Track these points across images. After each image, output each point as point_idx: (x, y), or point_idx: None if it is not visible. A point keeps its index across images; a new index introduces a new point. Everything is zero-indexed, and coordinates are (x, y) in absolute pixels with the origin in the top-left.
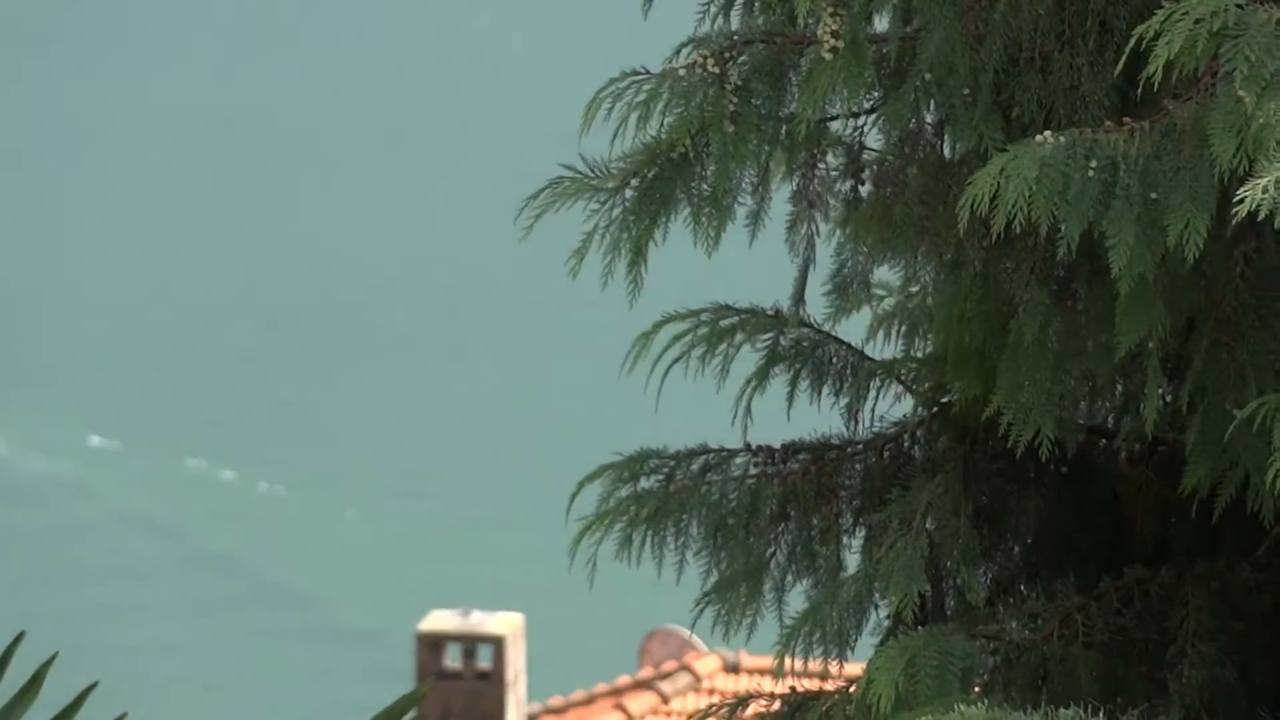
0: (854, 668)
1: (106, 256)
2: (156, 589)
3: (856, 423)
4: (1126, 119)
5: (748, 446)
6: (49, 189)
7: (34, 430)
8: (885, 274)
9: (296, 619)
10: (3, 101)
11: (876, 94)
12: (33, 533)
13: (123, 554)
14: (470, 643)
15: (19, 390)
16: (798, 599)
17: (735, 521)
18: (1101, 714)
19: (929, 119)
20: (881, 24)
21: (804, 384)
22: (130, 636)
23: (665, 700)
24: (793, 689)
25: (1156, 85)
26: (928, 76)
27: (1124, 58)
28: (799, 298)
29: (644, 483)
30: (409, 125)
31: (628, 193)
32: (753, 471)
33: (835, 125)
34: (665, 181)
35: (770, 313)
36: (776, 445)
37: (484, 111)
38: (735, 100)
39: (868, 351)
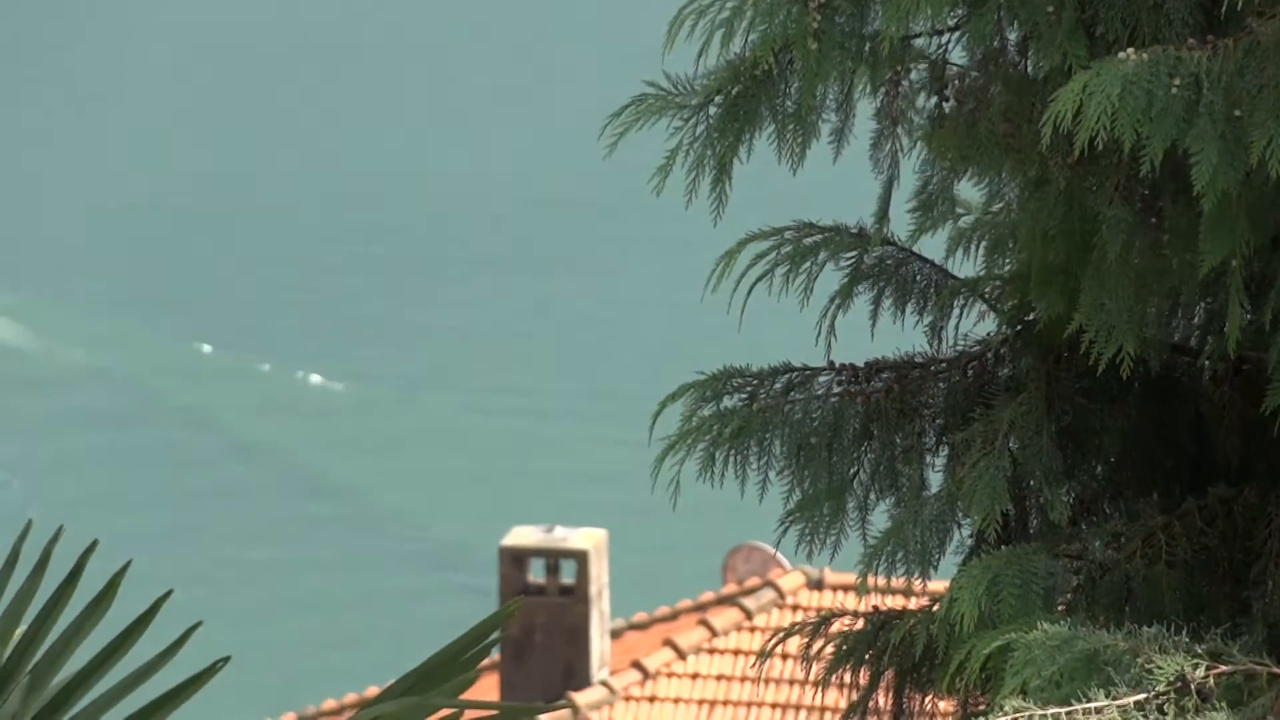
0: (937, 586)
1: (207, 165)
2: (249, 507)
3: (940, 341)
4: (1210, 36)
5: (831, 365)
6: (207, 101)
7: (146, 342)
8: (968, 190)
9: (384, 534)
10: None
11: (960, 11)
12: (132, 447)
13: (220, 472)
14: (553, 558)
15: (128, 303)
16: (881, 518)
17: (818, 440)
18: (1185, 633)
19: (1012, 36)
20: None
21: (887, 302)
22: (217, 554)
23: (749, 616)
24: (875, 608)
25: (1240, 3)
26: None
27: None
28: (883, 215)
29: (727, 402)
30: (497, 43)
31: (711, 110)
32: (836, 390)
33: (919, 42)
34: (749, 99)
35: (854, 230)
36: (859, 364)
37: (570, 29)
38: (819, 17)
39: (948, 268)
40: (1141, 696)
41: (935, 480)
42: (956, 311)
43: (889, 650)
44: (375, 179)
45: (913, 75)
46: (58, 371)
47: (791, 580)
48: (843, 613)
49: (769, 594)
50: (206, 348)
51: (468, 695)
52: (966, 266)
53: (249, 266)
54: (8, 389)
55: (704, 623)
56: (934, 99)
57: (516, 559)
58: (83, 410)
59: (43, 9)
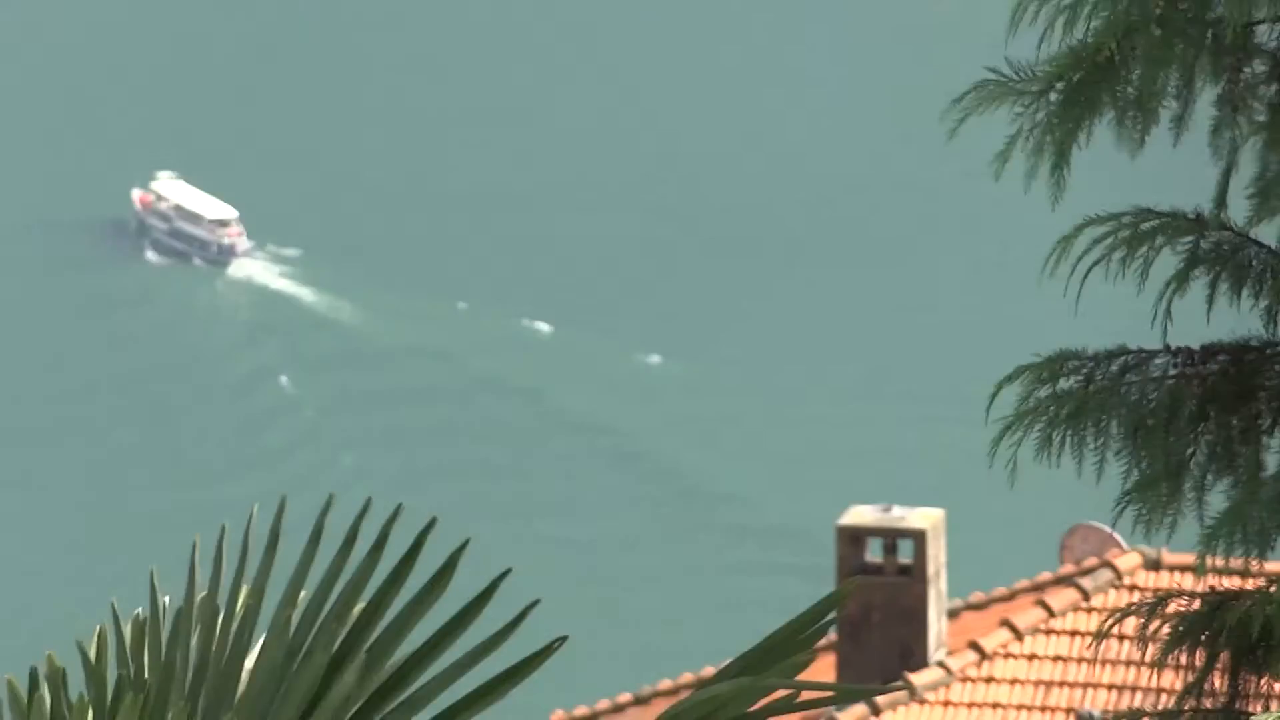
0: (1275, 566)
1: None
2: (582, 485)
3: (1276, 325)
4: None
5: (1167, 347)
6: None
7: (479, 321)
8: None
9: (716, 514)
10: None
11: None
12: (463, 424)
13: (552, 448)
14: (891, 537)
15: (462, 283)
16: (1218, 498)
17: (1155, 421)
18: None
19: None
20: None
21: (1224, 286)
22: (548, 531)
23: (1086, 596)
24: (1212, 588)
25: None
26: None
27: None
28: (1221, 201)
29: (1063, 383)
30: (828, 28)
31: (1052, 96)
32: (1172, 372)
33: (1260, 30)
34: (1090, 85)
35: (1191, 216)
36: (1195, 346)
37: (908, 9)
38: (1162, 4)
39: None
40: None
41: (1273, 461)
42: None
43: (1225, 631)
44: (717, 165)
45: (1255, 64)
46: (389, 349)
47: (1128, 560)
48: (1179, 593)
49: (1106, 574)
50: (544, 326)
51: (804, 676)
52: None
53: (588, 248)
54: (341, 366)
55: (1041, 603)
56: (1275, 86)
57: (854, 538)
58: (414, 387)
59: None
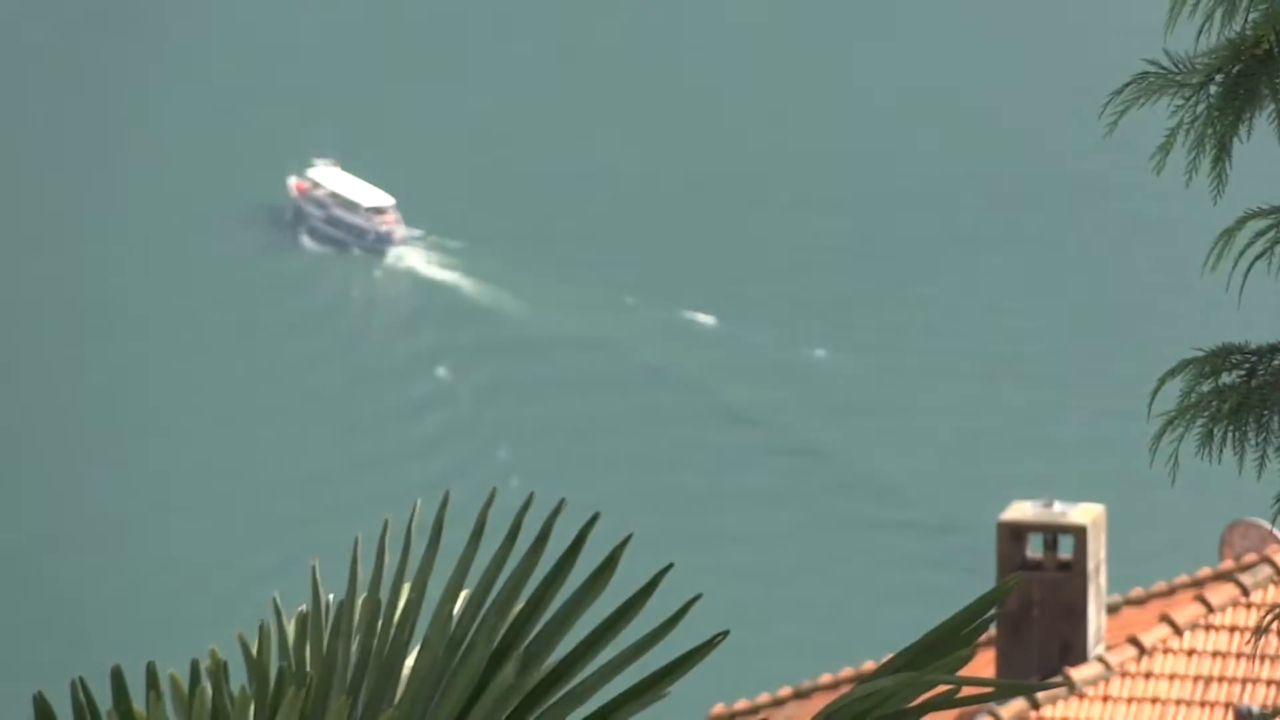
0: None
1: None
2: (740, 476)
3: None
4: None
5: None
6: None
7: (635, 308)
8: None
9: (877, 508)
10: None
11: None
12: (620, 415)
13: (713, 441)
14: (1052, 533)
15: (641, 271)
16: None
17: None
18: None
19: None
20: None
21: None
22: (708, 524)
23: (1245, 592)
24: None
25: None
26: None
27: None
28: None
29: (1225, 378)
30: (997, 26)
31: (1212, 89)
32: None
33: None
34: (1249, 78)
35: None
36: None
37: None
38: None
39: None
40: None
41: None
42: None
43: None
44: (877, 159)
45: None
46: (548, 339)
47: None
48: None
49: (1266, 570)
50: (707, 319)
51: (965, 671)
52: None
53: (754, 242)
54: (498, 356)
55: (1200, 599)
56: None
57: (1015, 534)
58: (573, 378)
59: None
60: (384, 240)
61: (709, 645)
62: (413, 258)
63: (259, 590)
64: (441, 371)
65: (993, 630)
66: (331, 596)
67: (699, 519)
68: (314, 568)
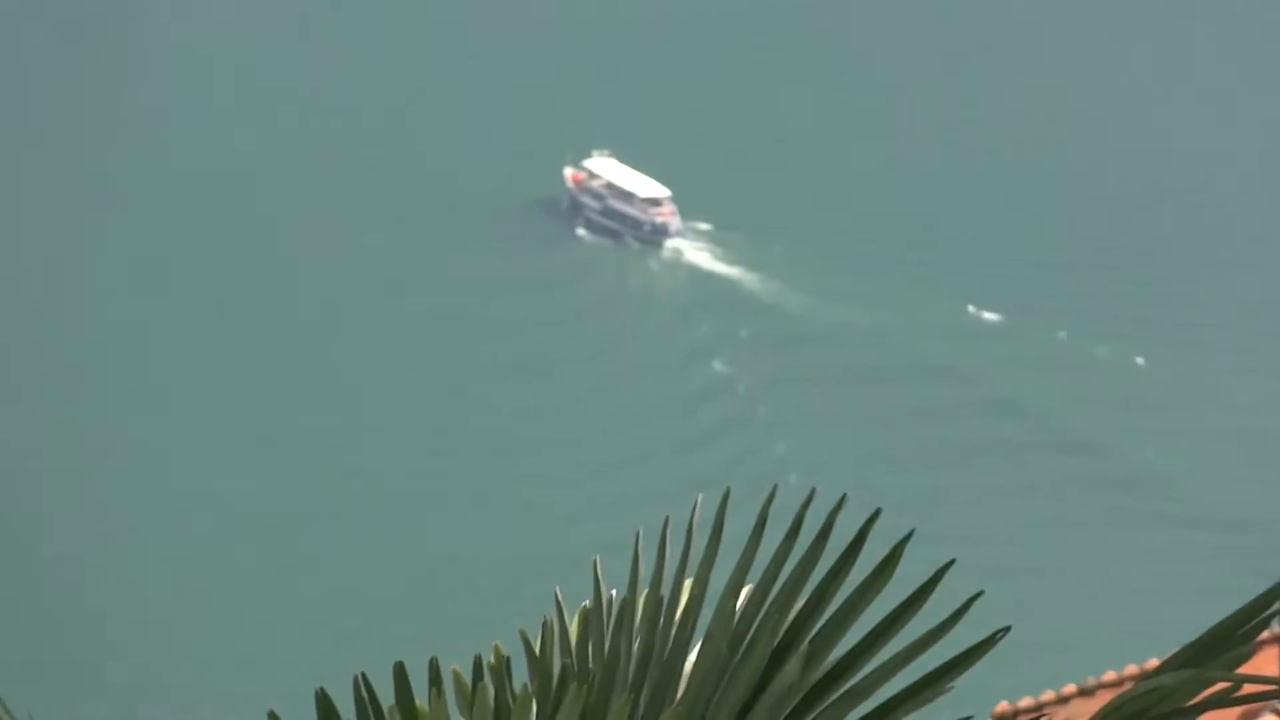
0: None
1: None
2: (1019, 472)
3: None
4: None
5: None
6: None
7: (917, 304)
8: None
9: (1157, 502)
10: None
11: None
12: (912, 404)
13: (990, 435)
14: None
15: (922, 266)
16: None
17: None
18: None
19: None
20: None
21: None
22: (986, 519)
23: None
24: None
25: None
26: None
27: None
28: None
29: None
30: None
31: None
32: None
33: None
34: None
35: None
36: None
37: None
38: None
39: None
40: None
41: None
42: None
43: None
44: (1147, 161)
45: None
46: (827, 332)
47: None
48: None
49: None
50: (990, 315)
51: (1245, 669)
52: None
53: (1035, 239)
54: (776, 349)
55: None
56: None
57: None
58: (852, 372)
59: None
60: (660, 231)
61: (990, 641)
62: (689, 249)
63: (537, 586)
64: (719, 365)
65: (1275, 628)
66: (614, 593)
67: (978, 514)
68: (595, 563)
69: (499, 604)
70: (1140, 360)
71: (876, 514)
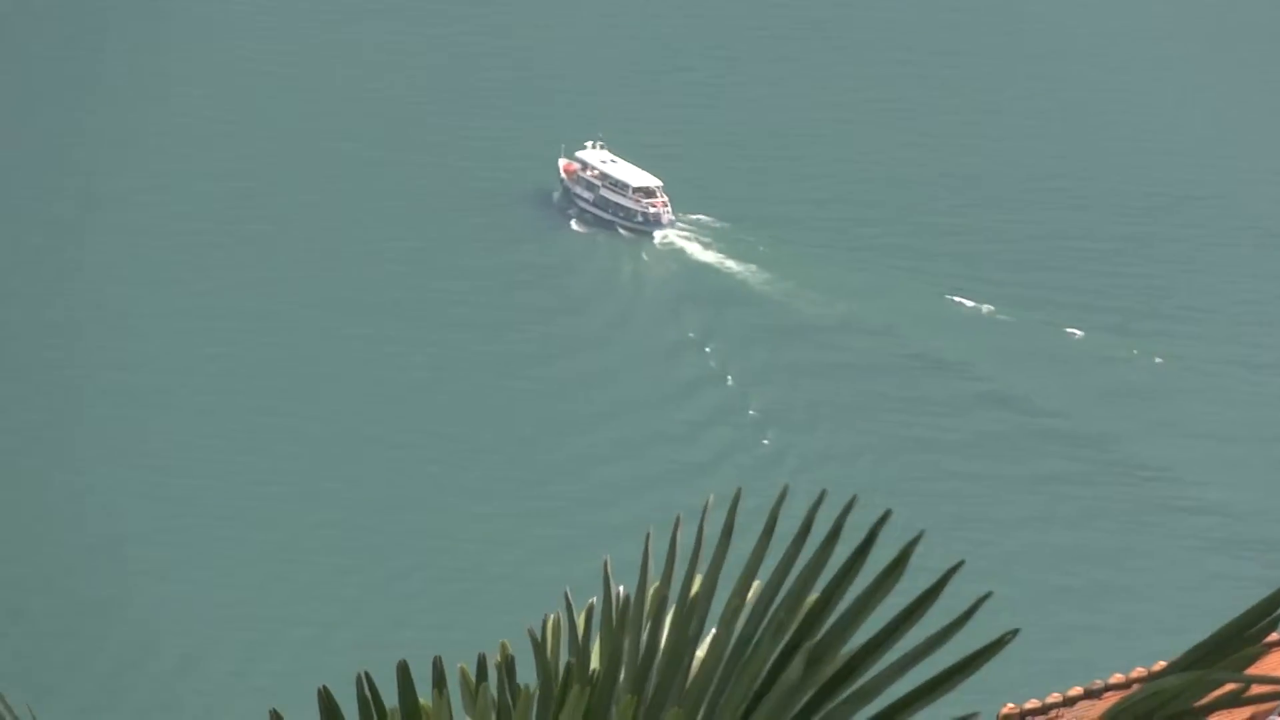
0: None
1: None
2: (1017, 465)
3: None
4: None
5: None
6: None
7: (909, 295)
8: None
9: (1169, 507)
10: None
11: None
12: (900, 393)
13: (985, 428)
14: None
15: (917, 257)
16: None
17: None
18: None
19: None
20: None
21: None
22: (989, 515)
23: None
24: None
25: None
26: None
27: None
28: None
29: None
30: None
31: None
32: None
33: None
34: None
35: None
36: None
37: None
38: None
39: None
40: None
41: None
42: None
43: None
44: (1169, 158)
45: None
46: (817, 323)
47: None
48: None
49: None
50: (987, 307)
51: (1254, 670)
52: None
53: (1029, 238)
54: (766, 339)
55: None
56: None
57: None
58: (842, 362)
59: None
60: (652, 222)
61: (999, 643)
62: (680, 240)
63: (541, 570)
64: (709, 354)
65: None
66: (621, 589)
67: (978, 507)
68: (605, 564)
69: (503, 599)
70: (1141, 353)
71: (886, 515)
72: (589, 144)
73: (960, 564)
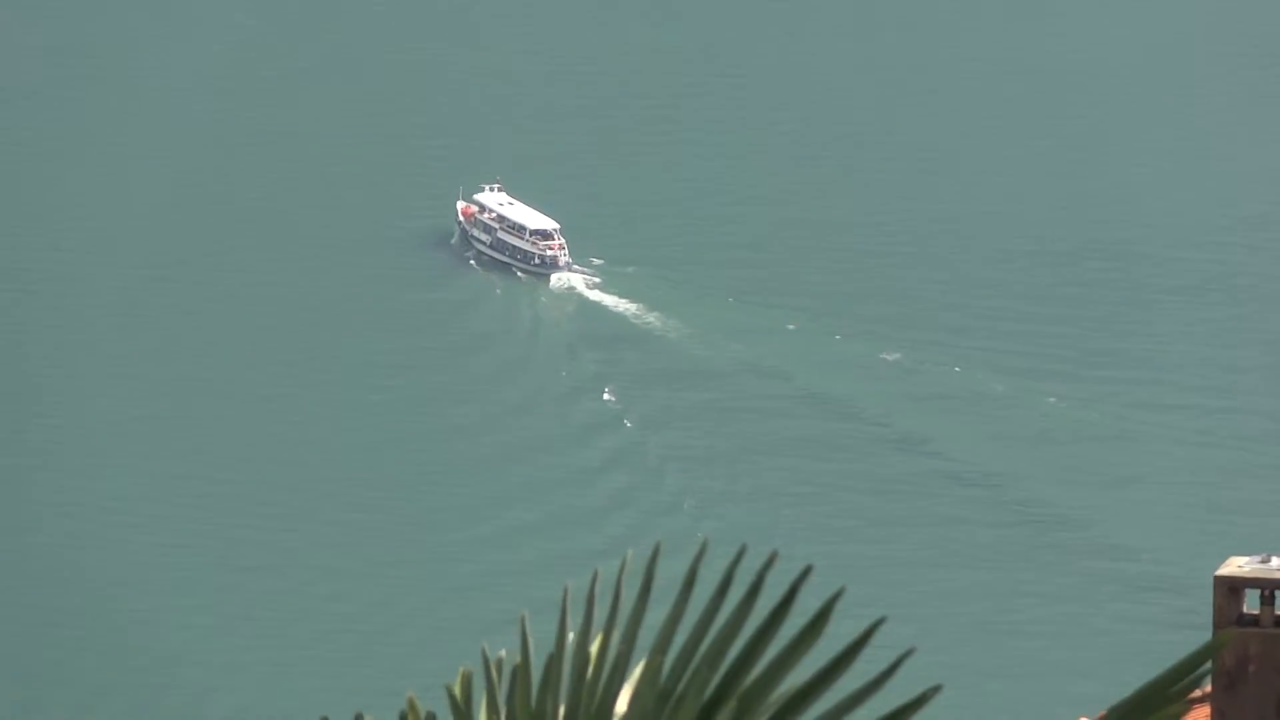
0: None
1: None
2: (957, 532)
3: None
4: None
5: None
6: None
7: (808, 341)
8: None
9: (1092, 562)
10: None
11: None
12: (798, 435)
13: (887, 472)
14: (1269, 588)
15: (809, 299)
16: None
17: None
18: None
19: None
20: None
21: None
22: (919, 575)
23: None
24: None
25: None
26: None
27: None
28: None
29: None
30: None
31: None
32: None
33: None
34: None
35: None
36: None
37: None
38: None
39: None
40: None
41: None
42: None
43: None
44: (1075, 202)
45: None
46: (715, 365)
47: None
48: None
49: None
50: (888, 355)
51: None
52: None
53: (947, 288)
54: (665, 381)
55: None
56: None
57: (1231, 589)
58: (740, 404)
59: None
60: (549, 265)
61: (921, 699)
62: (577, 282)
63: (445, 614)
64: (607, 396)
65: (1208, 687)
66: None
67: (907, 570)
68: (523, 620)
69: (413, 644)
70: (1052, 399)
71: (807, 571)
72: (487, 187)
73: (882, 620)
